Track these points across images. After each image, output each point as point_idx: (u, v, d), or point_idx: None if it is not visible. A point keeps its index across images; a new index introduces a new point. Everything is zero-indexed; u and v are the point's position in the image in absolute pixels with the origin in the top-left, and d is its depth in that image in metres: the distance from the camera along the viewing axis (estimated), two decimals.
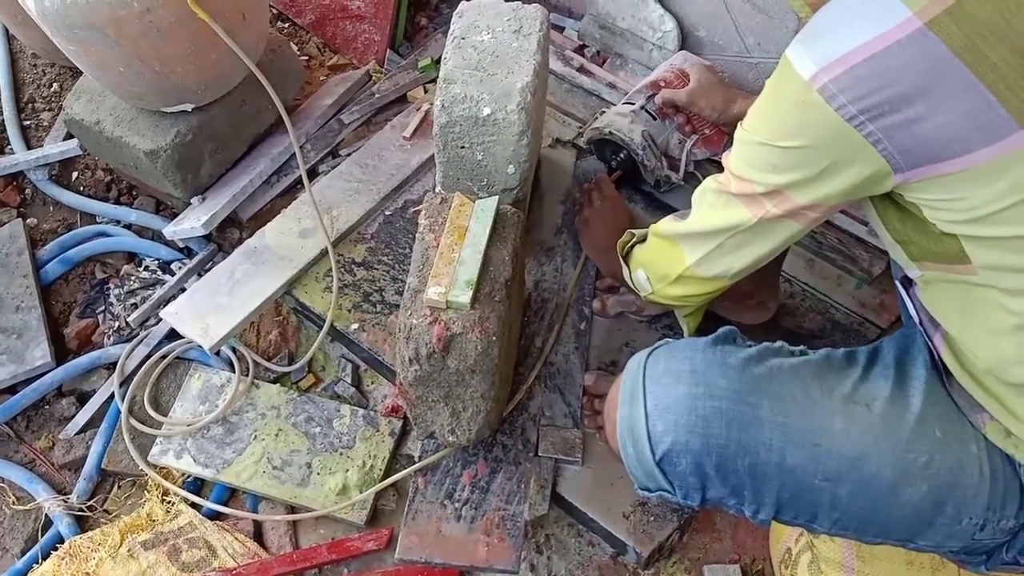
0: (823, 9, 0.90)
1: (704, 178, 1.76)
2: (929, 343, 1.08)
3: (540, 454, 1.49)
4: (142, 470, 1.56)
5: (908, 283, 1.09)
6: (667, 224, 1.20)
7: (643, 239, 1.30)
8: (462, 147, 1.43)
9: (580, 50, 2.17)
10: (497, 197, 1.37)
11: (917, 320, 1.09)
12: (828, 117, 0.85)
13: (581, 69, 2.10)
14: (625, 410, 1.08)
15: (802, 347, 1.12)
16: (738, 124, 1.01)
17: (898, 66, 0.81)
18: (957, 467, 1.00)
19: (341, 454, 1.55)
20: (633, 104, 1.77)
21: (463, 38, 1.45)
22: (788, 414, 1.02)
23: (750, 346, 1.10)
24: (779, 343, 1.11)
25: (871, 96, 0.82)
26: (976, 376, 1.01)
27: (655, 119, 1.74)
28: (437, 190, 1.55)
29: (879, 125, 0.84)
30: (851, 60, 0.83)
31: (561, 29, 2.22)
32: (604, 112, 1.83)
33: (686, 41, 2.05)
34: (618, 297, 1.66)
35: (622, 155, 1.77)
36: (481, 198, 1.37)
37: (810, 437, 1.01)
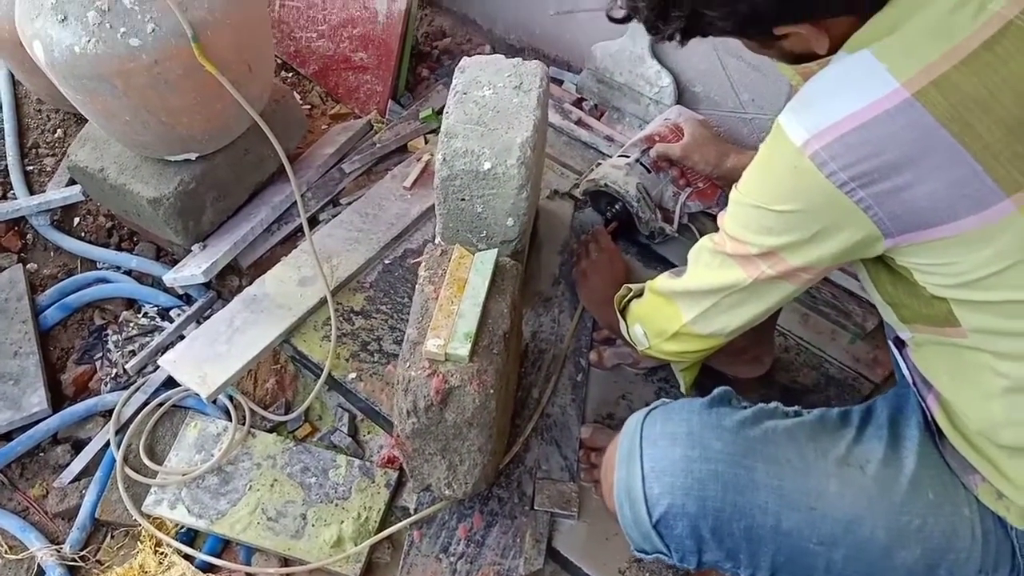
0: (814, 78, 0.92)
1: (697, 230, 1.80)
2: (922, 403, 1.08)
3: (536, 508, 1.48)
4: (136, 520, 1.55)
5: (900, 344, 1.10)
6: (664, 281, 1.21)
7: (640, 293, 1.31)
8: (462, 200, 1.44)
9: (579, 103, 2.21)
10: (496, 250, 1.38)
11: (910, 380, 1.10)
12: (820, 183, 0.87)
13: (579, 122, 2.13)
14: (622, 472, 1.08)
15: (796, 407, 1.13)
16: (733, 186, 1.02)
17: (887, 135, 0.83)
18: (950, 530, 1.00)
19: (336, 505, 1.54)
20: (628, 157, 1.80)
21: (465, 93, 1.47)
22: (783, 477, 1.03)
23: (745, 407, 1.11)
24: (774, 404, 1.12)
25: (861, 164, 0.84)
26: (968, 437, 1.01)
27: (650, 172, 1.77)
28: (437, 241, 1.57)
29: (869, 192, 0.85)
30: (841, 128, 0.84)
31: (560, 82, 2.26)
32: (600, 164, 1.86)
33: (682, 96, 2.09)
34: (615, 349, 1.66)
35: (617, 206, 1.79)
36: (480, 250, 1.39)
37: (805, 500, 1.02)
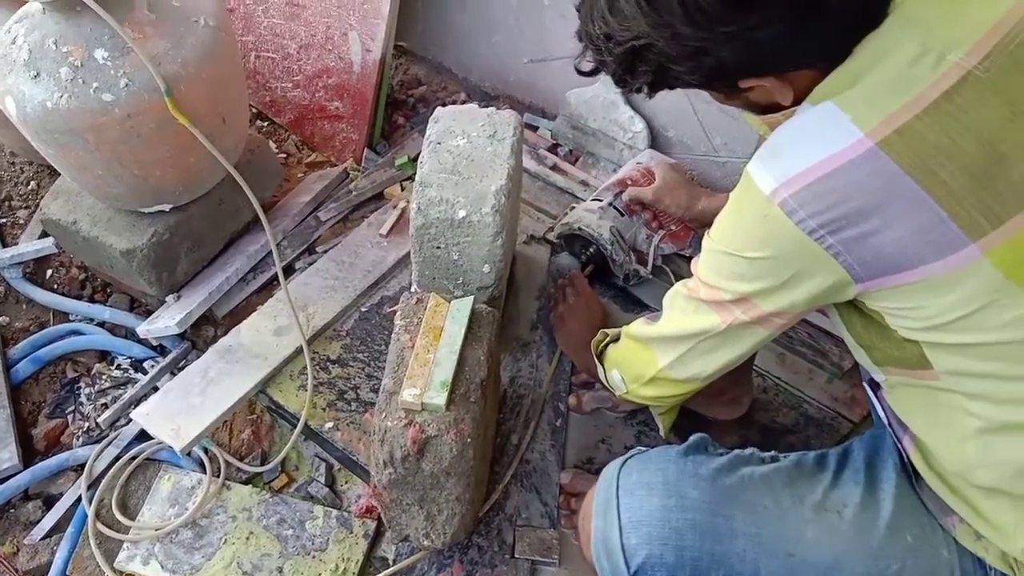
0: (780, 129, 0.93)
1: (672, 272, 1.80)
2: (899, 445, 1.09)
3: (516, 556, 1.47)
4: None
5: (875, 386, 1.10)
6: (639, 327, 1.22)
7: (616, 338, 1.32)
8: (438, 248, 1.45)
9: (553, 149, 2.23)
10: (472, 297, 1.38)
11: (886, 421, 1.11)
12: (789, 230, 0.88)
13: (554, 167, 2.15)
14: (599, 522, 1.08)
15: (773, 453, 1.13)
16: (706, 232, 1.03)
17: (853, 183, 0.84)
18: (929, 573, 1.00)
19: (314, 557, 1.52)
20: (601, 200, 1.82)
21: (439, 143, 1.48)
22: (761, 524, 1.03)
23: (721, 454, 1.11)
24: (750, 450, 1.12)
25: (829, 211, 0.85)
26: (945, 478, 1.02)
27: (623, 215, 1.79)
28: (413, 289, 1.57)
29: (838, 238, 0.86)
30: (808, 177, 0.85)
31: (535, 128, 2.28)
32: (573, 208, 1.88)
33: (656, 141, 2.11)
34: (593, 393, 1.66)
35: (591, 250, 1.81)
36: (457, 297, 1.39)
37: (783, 547, 1.01)
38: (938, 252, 0.83)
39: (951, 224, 0.82)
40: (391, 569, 1.45)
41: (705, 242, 1.03)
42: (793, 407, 1.70)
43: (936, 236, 0.83)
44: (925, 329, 0.90)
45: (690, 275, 1.08)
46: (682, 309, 1.10)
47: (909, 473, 1.07)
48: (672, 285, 1.77)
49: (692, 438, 1.13)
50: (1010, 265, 0.83)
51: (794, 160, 0.87)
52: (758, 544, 1.02)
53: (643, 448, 1.16)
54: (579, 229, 1.78)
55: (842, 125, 0.85)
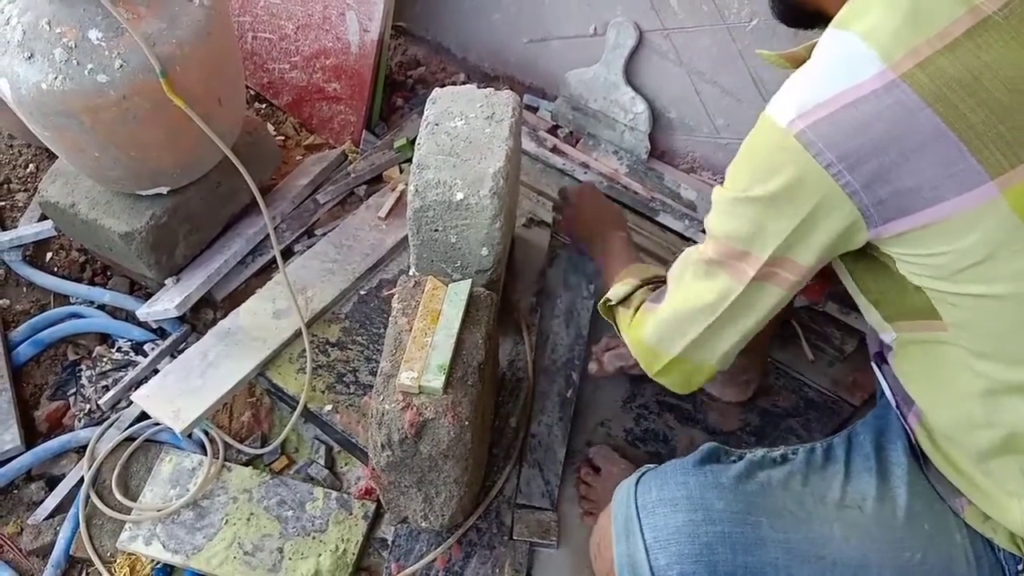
0: (801, 68, 0.91)
1: (799, 326, 1.75)
2: (905, 425, 1.08)
3: (515, 538, 1.48)
4: (111, 556, 1.53)
5: (882, 360, 1.10)
6: (648, 310, 1.15)
7: (626, 298, 1.25)
8: (436, 231, 1.44)
9: (553, 130, 2.22)
10: (470, 280, 1.38)
11: (893, 401, 1.10)
12: (806, 163, 0.86)
13: (554, 149, 2.14)
14: (622, 546, 1.05)
15: (782, 451, 1.11)
16: (715, 188, 1.01)
17: (874, 114, 0.83)
18: (948, 559, 1.00)
19: (314, 538, 1.53)
20: None
21: (437, 124, 1.48)
22: (788, 529, 1.01)
23: (735, 461, 1.09)
24: (760, 453, 1.10)
25: (848, 143, 0.84)
26: (951, 458, 1.01)
27: None
28: (411, 272, 1.56)
29: (856, 175, 0.85)
30: (829, 107, 0.84)
31: (535, 110, 2.27)
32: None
33: (657, 122, 2.10)
34: (615, 351, 1.64)
35: None
36: (455, 280, 1.39)
37: (813, 550, 1.00)
38: (956, 188, 0.82)
39: (971, 159, 0.81)
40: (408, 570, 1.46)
41: (715, 194, 1.00)
42: (794, 391, 1.70)
43: (956, 170, 0.82)
44: (936, 278, 0.89)
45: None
46: (693, 274, 1.05)
47: (917, 455, 1.07)
48: (801, 341, 1.75)
49: (703, 447, 1.11)
50: None
51: (815, 92, 0.86)
52: (788, 550, 1.00)
53: (652, 465, 1.13)
54: None
55: (865, 58, 0.84)
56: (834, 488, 1.04)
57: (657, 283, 1.24)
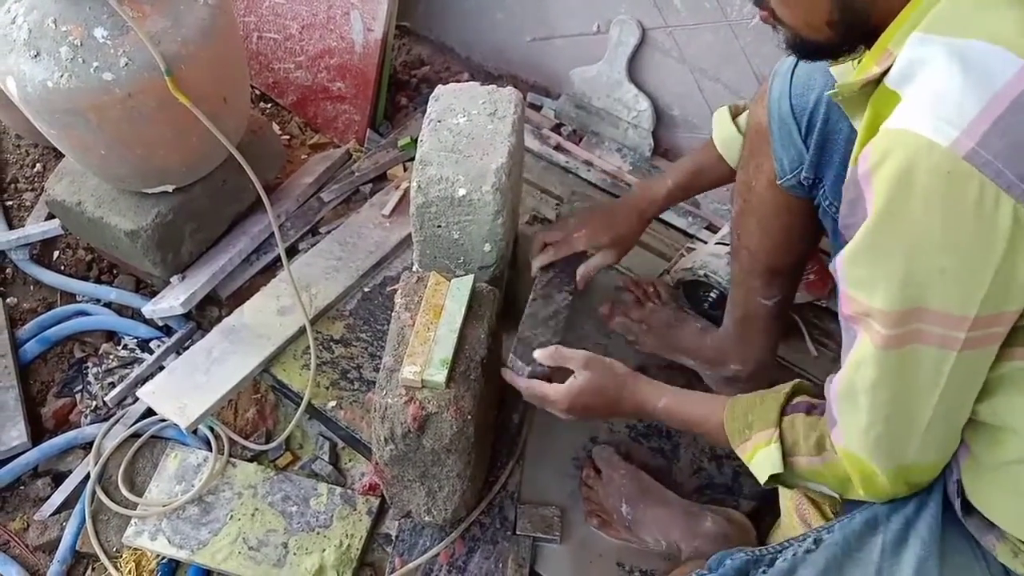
0: (917, 81, 0.79)
1: (803, 321, 1.67)
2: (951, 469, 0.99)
3: (518, 532, 1.48)
4: (117, 551, 1.55)
5: None
6: (853, 440, 0.94)
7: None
8: (438, 227, 1.45)
9: (557, 128, 2.22)
10: (473, 276, 1.39)
11: None
12: (984, 192, 0.73)
13: (558, 147, 2.14)
14: None
15: (816, 535, 1.00)
16: (836, 268, 0.85)
17: None
18: None
19: (318, 533, 1.54)
20: (727, 244, 1.62)
21: (439, 121, 1.48)
22: None
23: (764, 572, 1.00)
24: (791, 551, 1.00)
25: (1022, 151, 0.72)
26: (989, 485, 0.95)
27: None
28: (415, 268, 1.57)
29: None
30: (989, 117, 0.73)
31: (538, 108, 2.28)
32: (693, 249, 1.74)
33: (660, 120, 2.11)
34: (623, 321, 1.66)
35: (713, 295, 1.69)
36: (458, 276, 1.39)
37: None
38: None
39: None
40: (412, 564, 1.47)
41: (851, 275, 0.84)
42: None
43: None
44: None
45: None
46: (873, 383, 0.86)
47: (950, 497, 0.98)
48: (805, 337, 1.69)
49: (729, 567, 1.01)
50: None
51: (965, 100, 0.74)
52: None
53: None
54: (705, 276, 1.66)
55: (998, 56, 0.75)
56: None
57: (788, 404, 1.07)
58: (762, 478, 1.05)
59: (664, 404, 1.23)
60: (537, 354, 1.32)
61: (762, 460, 1.04)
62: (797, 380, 1.11)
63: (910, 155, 0.75)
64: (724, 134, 1.46)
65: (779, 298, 1.45)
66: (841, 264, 0.84)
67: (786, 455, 1.02)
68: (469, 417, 1.25)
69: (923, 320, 0.80)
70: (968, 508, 0.96)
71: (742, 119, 1.44)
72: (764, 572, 0.99)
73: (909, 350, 0.82)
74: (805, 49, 0.95)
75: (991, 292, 0.76)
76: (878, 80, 0.83)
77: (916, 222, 0.76)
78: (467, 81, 2.34)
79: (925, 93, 0.77)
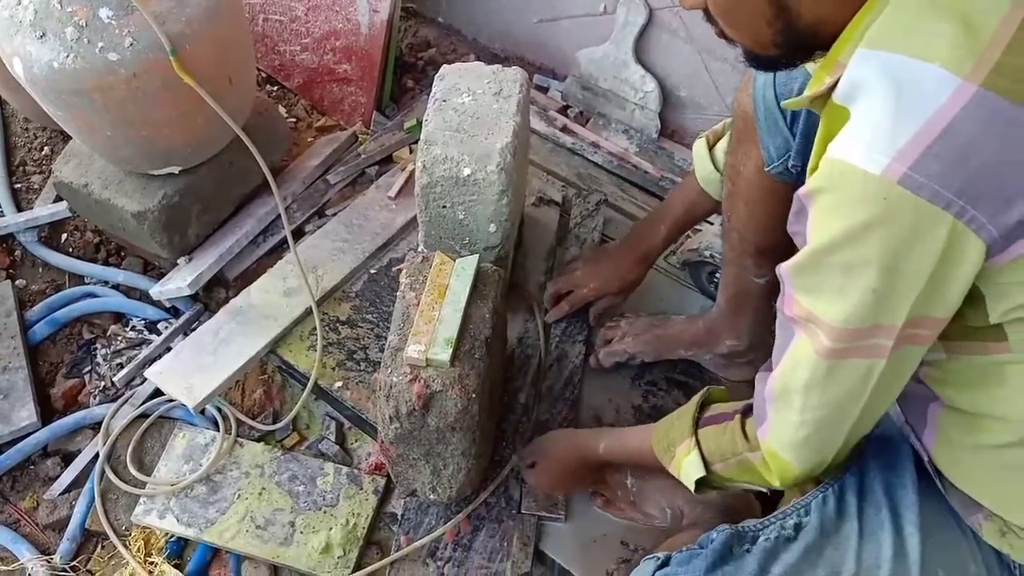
0: (858, 110, 0.80)
1: None
2: (918, 444, 1.01)
3: (523, 511, 1.49)
4: (126, 530, 1.56)
5: None
6: (781, 451, 0.99)
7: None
8: (443, 207, 1.45)
9: (563, 110, 2.22)
10: (478, 256, 1.39)
11: (901, 419, 1.05)
12: (918, 208, 0.74)
13: (564, 129, 2.14)
14: None
15: (797, 519, 1.02)
16: (788, 277, 0.87)
17: (974, 133, 0.73)
18: None
19: (325, 512, 1.55)
20: None
21: (444, 100, 1.48)
22: None
23: (747, 550, 1.01)
24: (774, 533, 1.02)
25: (959, 173, 0.73)
26: (971, 471, 0.96)
27: None
28: (420, 249, 1.57)
29: (981, 207, 0.74)
30: (924, 140, 0.73)
31: (545, 90, 2.27)
32: (699, 231, 1.75)
33: (667, 101, 2.10)
34: (609, 348, 1.66)
35: (719, 275, 1.66)
36: (462, 256, 1.40)
37: None
38: None
39: None
40: (394, 555, 1.47)
41: (798, 277, 0.86)
42: None
43: None
44: (1019, 306, 0.81)
45: None
46: (816, 377, 0.89)
47: (928, 478, 1.00)
48: None
49: (716, 540, 1.02)
50: None
51: (899, 126, 0.75)
52: None
53: (659, 556, 1.06)
54: (711, 257, 1.68)
55: (934, 76, 0.74)
56: (848, 559, 0.97)
57: (708, 418, 1.13)
58: (691, 485, 1.12)
59: (604, 446, 1.36)
60: (514, 459, 1.53)
61: (687, 468, 1.12)
62: (706, 388, 1.18)
63: (846, 186, 0.77)
64: (703, 172, 1.52)
65: (770, 276, 1.45)
66: (787, 273, 0.86)
67: (706, 463, 1.10)
68: (473, 395, 1.25)
69: (865, 337, 0.83)
70: (948, 487, 0.98)
71: (719, 149, 1.47)
72: (747, 550, 1.01)
73: (847, 362, 0.86)
74: (760, 63, 0.95)
75: (919, 300, 0.79)
76: (831, 89, 0.84)
77: (856, 249, 0.79)
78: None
79: (861, 120, 0.78)
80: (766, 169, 1.31)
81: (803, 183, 0.83)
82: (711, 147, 1.50)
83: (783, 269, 0.87)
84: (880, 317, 0.81)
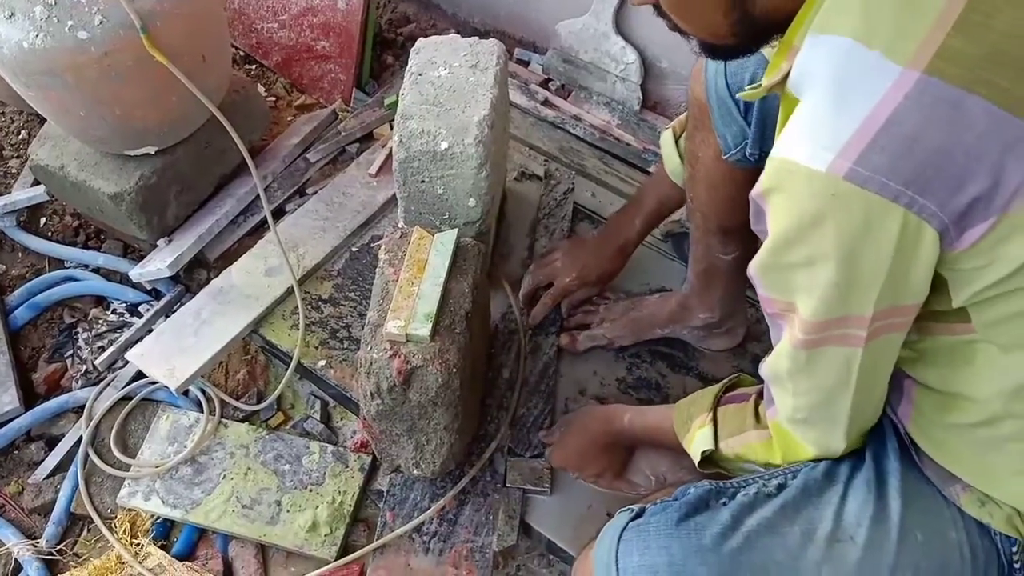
0: (803, 104, 0.80)
1: None
2: (893, 417, 1.02)
3: (508, 485, 1.49)
4: (111, 513, 1.56)
5: None
6: (790, 426, 1.01)
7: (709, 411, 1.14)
8: (422, 182, 1.44)
9: (545, 84, 2.21)
10: (456, 230, 1.38)
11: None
12: (868, 202, 0.74)
13: (546, 102, 2.13)
14: None
15: (780, 480, 1.02)
16: (756, 277, 0.88)
17: (919, 121, 0.72)
18: (942, 565, 0.96)
19: (311, 491, 1.55)
20: None
21: (420, 74, 1.47)
22: None
23: (724, 503, 1.01)
24: (754, 488, 1.02)
25: (906, 164, 0.73)
26: (947, 445, 0.97)
27: None
28: (400, 225, 1.56)
29: (930, 196, 0.73)
30: (868, 133, 0.73)
31: (526, 63, 2.25)
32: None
33: (648, 72, 2.09)
34: (589, 332, 1.67)
35: None
36: (442, 231, 1.39)
37: None
38: (1017, 160, 0.73)
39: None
40: (382, 539, 1.47)
41: (765, 275, 0.87)
42: None
43: (1011, 139, 0.73)
44: (992, 285, 0.80)
45: None
46: (795, 372, 0.92)
47: (907, 450, 1.00)
48: None
49: (691, 493, 1.02)
50: None
51: (841, 121, 0.74)
52: None
53: (633, 508, 1.06)
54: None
55: (875, 64, 0.73)
56: (826, 518, 0.97)
57: (723, 396, 1.15)
58: (696, 457, 1.14)
59: (629, 417, 1.37)
60: (541, 434, 1.56)
61: (698, 441, 1.14)
62: (737, 374, 1.20)
63: (794, 185, 0.77)
64: (671, 166, 1.51)
65: (737, 254, 1.46)
66: (755, 274, 0.87)
67: (717, 439, 1.11)
68: (454, 370, 1.25)
69: (834, 327, 0.84)
70: (924, 459, 0.99)
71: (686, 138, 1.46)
72: (725, 504, 1.01)
73: (823, 351, 0.87)
74: (717, 53, 0.94)
75: (883, 293, 0.79)
76: (787, 77, 0.83)
77: (811, 246, 0.78)
78: None
79: (805, 115, 0.78)
80: (724, 157, 1.30)
81: (763, 168, 0.83)
82: (677, 139, 1.48)
83: (751, 270, 0.87)
84: (848, 308, 0.82)
